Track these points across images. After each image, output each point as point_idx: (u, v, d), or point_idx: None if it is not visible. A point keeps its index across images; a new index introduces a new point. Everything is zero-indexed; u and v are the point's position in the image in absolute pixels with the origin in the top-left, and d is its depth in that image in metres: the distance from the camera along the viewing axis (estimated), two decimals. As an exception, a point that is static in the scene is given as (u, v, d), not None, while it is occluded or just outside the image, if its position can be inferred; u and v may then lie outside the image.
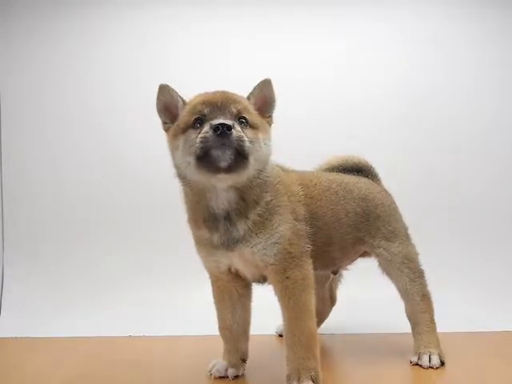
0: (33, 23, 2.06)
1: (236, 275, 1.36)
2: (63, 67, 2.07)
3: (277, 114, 2.02)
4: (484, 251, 2.07)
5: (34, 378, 1.42)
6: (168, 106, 1.30)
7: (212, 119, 1.18)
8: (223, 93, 1.26)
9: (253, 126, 1.24)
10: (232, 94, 1.26)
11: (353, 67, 2.08)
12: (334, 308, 1.80)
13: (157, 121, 2.05)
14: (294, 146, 2.02)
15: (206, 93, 1.28)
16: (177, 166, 1.28)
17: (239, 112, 1.22)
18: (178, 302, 1.95)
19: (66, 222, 2.06)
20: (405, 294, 1.51)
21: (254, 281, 1.39)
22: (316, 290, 1.30)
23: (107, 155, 2.07)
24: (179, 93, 1.30)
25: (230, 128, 1.14)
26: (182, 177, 1.28)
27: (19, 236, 2.06)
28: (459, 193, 2.08)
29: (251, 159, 1.19)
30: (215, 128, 1.14)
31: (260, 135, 1.24)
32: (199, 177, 1.22)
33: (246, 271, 1.33)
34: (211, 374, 1.40)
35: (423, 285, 1.53)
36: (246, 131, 1.20)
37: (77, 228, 2.06)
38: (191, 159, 1.20)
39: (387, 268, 1.53)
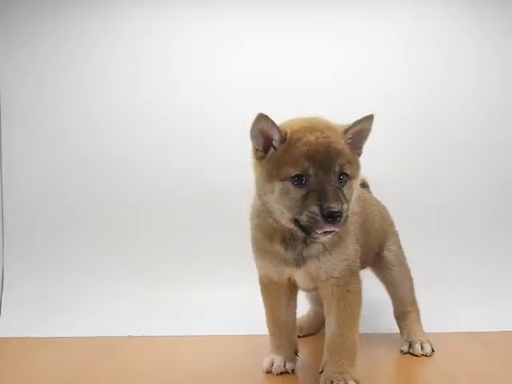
0: (33, 23, 2.06)
1: (290, 283, 1.42)
2: (63, 67, 2.07)
3: (277, 114, 2.05)
4: (484, 251, 2.07)
5: (34, 378, 1.42)
6: (263, 134, 1.25)
7: (317, 185, 1.16)
8: (327, 143, 1.19)
9: (351, 178, 1.23)
10: (336, 141, 1.20)
11: (353, 67, 2.07)
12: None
13: (157, 121, 2.07)
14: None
15: (307, 135, 1.20)
16: (264, 201, 1.28)
17: (342, 169, 1.20)
18: (178, 301, 1.95)
19: (66, 222, 2.06)
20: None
21: (305, 289, 1.46)
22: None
23: (107, 155, 2.06)
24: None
25: (341, 215, 1.14)
26: (268, 210, 1.28)
27: (19, 236, 2.06)
28: (459, 192, 2.08)
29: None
30: (328, 215, 1.13)
31: (354, 184, 1.25)
32: (290, 226, 1.24)
33: (303, 282, 1.39)
34: (269, 372, 1.39)
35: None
36: (344, 189, 1.20)
37: (77, 228, 2.06)
38: (288, 214, 1.20)
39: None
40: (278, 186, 1.21)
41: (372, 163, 1.88)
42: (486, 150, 2.09)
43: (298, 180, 1.18)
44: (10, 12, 2.06)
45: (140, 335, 1.76)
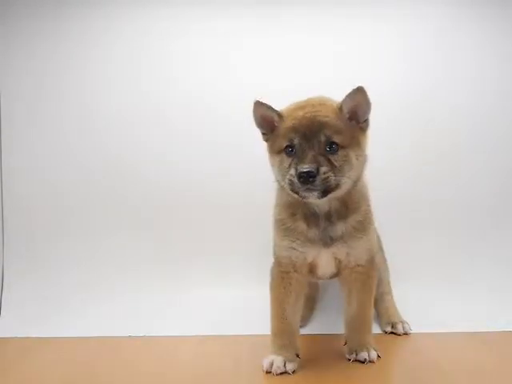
0: (33, 23, 2.06)
1: (309, 271, 1.48)
2: (63, 67, 2.07)
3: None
4: (485, 251, 2.07)
5: (34, 378, 1.42)
6: (264, 118, 1.39)
7: (300, 153, 1.29)
8: (312, 116, 1.31)
9: (343, 147, 1.31)
10: (323, 114, 1.31)
11: (352, 67, 2.07)
12: (333, 308, 1.82)
13: (156, 121, 2.07)
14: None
15: (297, 111, 1.34)
16: (276, 178, 1.41)
17: (328, 138, 1.30)
18: (178, 302, 1.95)
19: (66, 221, 2.06)
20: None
21: (321, 277, 1.53)
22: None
23: (107, 155, 2.06)
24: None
25: (313, 175, 1.24)
26: (281, 186, 1.40)
27: (19, 236, 2.06)
28: (459, 192, 2.08)
29: (342, 182, 1.30)
30: (299, 175, 1.24)
31: (351, 153, 1.32)
32: (294, 196, 1.34)
33: (326, 266, 1.47)
34: (268, 372, 1.39)
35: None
36: (334, 157, 1.29)
37: (77, 228, 2.06)
38: (285, 184, 1.32)
39: None
40: (277, 158, 1.36)
41: (372, 162, 1.89)
42: (485, 150, 2.09)
43: (289, 150, 1.32)
44: (10, 12, 2.06)
45: (140, 335, 1.76)
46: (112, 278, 2.02)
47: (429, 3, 2.09)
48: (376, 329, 1.72)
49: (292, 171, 1.27)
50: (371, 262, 1.49)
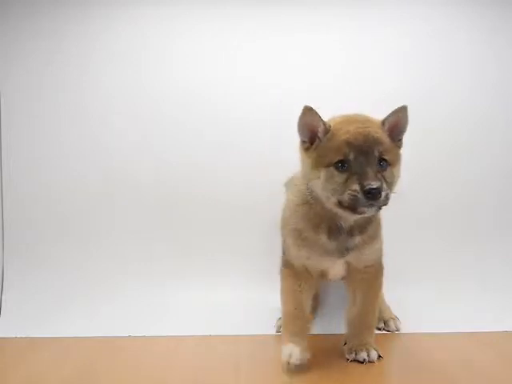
0: (33, 23, 2.06)
1: (321, 275, 1.52)
2: (64, 67, 2.07)
3: (278, 115, 2.05)
4: (484, 251, 2.07)
5: (34, 378, 1.42)
6: (309, 126, 1.36)
7: (358, 168, 1.28)
8: (366, 132, 1.31)
9: (390, 164, 1.34)
10: (374, 130, 1.33)
11: (352, 68, 2.07)
12: (333, 308, 1.82)
13: (157, 120, 2.07)
14: (293, 150, 2.02)
15: (347, 125, 1.33)
16: (312, 189, 1.40)
17: (381, 154, 1.32)
18: (178, 302, 1.95)
19: (66, 221, 2.06)
20: None
21: (331, 279, 1.56)
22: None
23: (107, 156, 2.06)
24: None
25: (380, 191, 1.25)
26: (315, 198, 1.40)
27: (19, 236, 2.06)
28: (459, 191, 2.08)
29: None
30: (367, 191, 1.24)
31: (395, 170, 1.36)
32: (336, 210, 1.35)
33: (338, 272, 1.51)
34: (289, 363, 1.40)
35: None
36: (385, 174, 1.32)
37: (77, 228, 2.06)
38: (333, 199, 1.32)
39: None
40: (323, 172, 1.32)
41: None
42: (486, 150, 2.09)
43: (341, 165, 1.30)
44: (10, 12, 2.06)
45: (140, 335, 1.76)
46: (112, 278, 2.02)
47: (429, 3, 2.09)
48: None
49: (355, 187, 1.26)
50: (379, 263, 1.53)
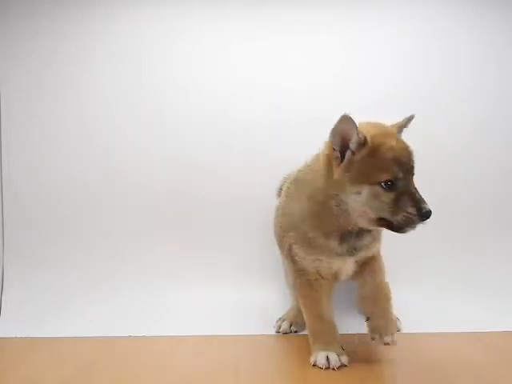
0: (33, 23, 2.06)
1: (334, 277, 1.53)
2: (63, 67, 2.07)
3: (278, 115, 2.05)
4: (485, 250, 2.07)
5: (34, 378, 1.42)
6: (342, 134, 1.33)
7: (406, 188, 1.30)
8: (408, 148, 1.35)
9: None
10: (409, 147, 1.36)
11: (352, 68, 2.08)
12: (333, 308, 1.82)
13: (156, 121, 2.07)
14: (293, 150, 2.02)
15: (388, 140, 1.32)
16: (341, 201, 1.36)
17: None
18: (178, 301, 1.95)
19: (66, 221, 2.06)
20: None
21: (345, 278, 1.56)
22: None
23: (107, 155, 2.06)
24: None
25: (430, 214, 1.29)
26: (344, 210, 1.36)
27: (19, 236, 2.06)
28: (459, 191, 2.08)
29: None
30: (424, 215, 1.28)
31: None
32: (368, 225, 1.37)
33: (349, 270, 1.52)
34: (326, 368, 1.41)
35: None
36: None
37: (77, 228, 2.06)
38: (372, 215, 1.32)
39: None
40: (366, 190, 1.30)
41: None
42: (485, 150, 2.09)
43: (388, 184, 1.29)
44: (10, 12, 2.06)
45: (140, 335, 1.76)
46: (112, 278, 2.02)
47: (429, 3, 2.09)
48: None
49: (412, 210, 1.29)
50: (377, 252, 1.57)
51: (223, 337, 1.72)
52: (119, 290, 2.00)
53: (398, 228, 1.31)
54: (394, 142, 1.31)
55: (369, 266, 1.52)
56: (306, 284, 1.51)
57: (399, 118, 2.06)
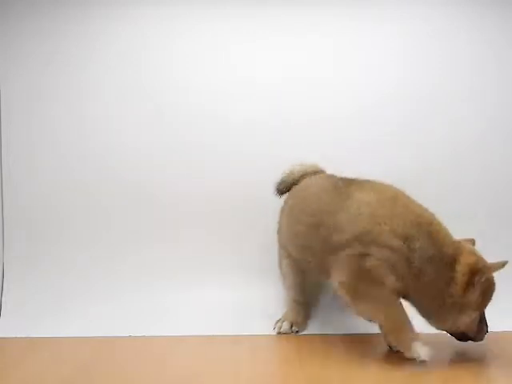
0: (33, 23, 2.06)
1: None
2: (63, 67, 2.07)
3: (277, 116, 2.05)
4: (485, 250, 2.06)
5: (34, 378, 1.42)
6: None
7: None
8: None
9: None
10: None
11: (352, 68, 2.08)
12: (333, 308, 1.82)
13: (156, 120, 2.07)
14: (293, 150, 2.02)
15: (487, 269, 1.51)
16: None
17: None
18: (178, 301, 1.95)
19: (66, 221, 2.06)
20: None
21: None
22: None
23: (107, 156, 2.06)
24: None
25: None
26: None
27: (19, 236, 2.06)
28: (459, 191, 2.08)
29: None
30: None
31: None
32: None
33: None
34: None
35: None
36: None
37: (77, 228, 2.06)
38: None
39: None
40: (474, 315, 1.48)
41: (372, 162, 1.89)
42: (485, 150, 2.09)
43: None
44: (10, 12, 2.06)
45: (140, 335, 1.76)
46: (112, 278, 2.02)
47: (429, 3, 2.09)
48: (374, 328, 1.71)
49: (486, 329, 1.54)
50: None
51: (223, 337, 1.72)
52: (119, 289, 2.00)
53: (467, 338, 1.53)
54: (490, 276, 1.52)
55: None
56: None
57: (399, 118, 2.08)
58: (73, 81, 2.07)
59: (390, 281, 1.43)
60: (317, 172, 1.82)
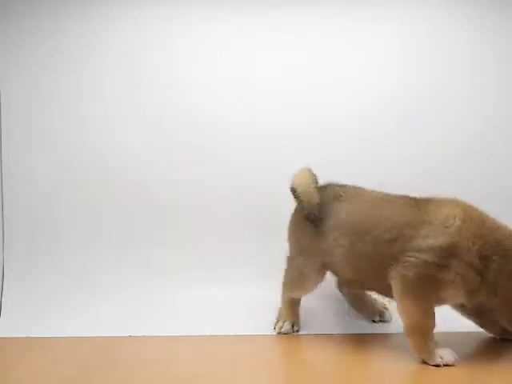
0: (33, 22, 2.06)
1: None
2: (63, 66, 2.07)
3: (277, 116, 2.05)
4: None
5: (34, 378, 1.42)
6: None
7: None
8: None
9: None
10: None
11: (352, 68, 2.08)
12: (333, 308, 1.82)
13: (156, 121, 2.07)
14: (293, 150, 2.03)
15: None
16: None
17: None
18: (178, 301, 1.95)
19: (66, 221, 2.06)
20: None
21: None
22: None
23: (107, 155, 2.06)
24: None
25: None
26: None
27: (19, 236, 2.05)
28: (459, 191, 2.07)
29: None
30: None
31: None
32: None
33: None
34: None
35: None
36: None
37: (77, 228, 2.06)
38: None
39: None
40: None
41: (372, 162, 1.89)
42: (485, 150, 2.09)
43: None
44: (10, 11, 2.06)
45: (140, 335, 1.76)
46: (112, 278, 2.02)
47: (429, 3, 2.09)
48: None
49: None
50: None
51: (223, 337, 1.72)
52: (119, 290, 2.00)
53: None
54: None
55: None
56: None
57: (399, 118, 2.08)
58: (72, 80, 2.07)
59: (449, 295, 1.47)
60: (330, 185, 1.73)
